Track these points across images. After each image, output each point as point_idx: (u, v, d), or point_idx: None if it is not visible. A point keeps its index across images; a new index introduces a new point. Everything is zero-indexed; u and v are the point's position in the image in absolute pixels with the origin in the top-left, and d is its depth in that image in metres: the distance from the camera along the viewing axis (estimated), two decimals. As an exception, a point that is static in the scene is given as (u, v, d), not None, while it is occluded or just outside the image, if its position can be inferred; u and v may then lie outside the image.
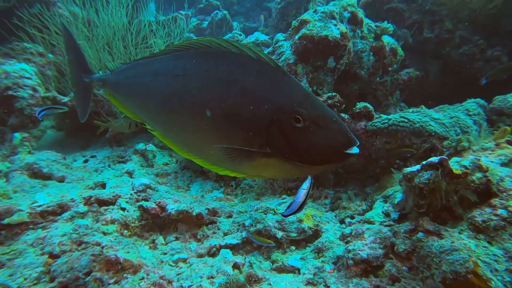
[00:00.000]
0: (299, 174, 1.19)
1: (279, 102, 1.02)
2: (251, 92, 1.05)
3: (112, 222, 1.86)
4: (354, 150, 0.98)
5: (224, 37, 4.67)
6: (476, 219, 1.15)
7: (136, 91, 1.26)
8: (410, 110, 2.17)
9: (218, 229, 1.97)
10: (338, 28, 2.06)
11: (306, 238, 1.74)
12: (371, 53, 2.41)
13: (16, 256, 1.51)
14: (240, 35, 4.52)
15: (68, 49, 1.40)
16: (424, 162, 1.21)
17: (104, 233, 1.77)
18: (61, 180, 2.38)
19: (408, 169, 1.26)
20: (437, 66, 3.47)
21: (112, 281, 1.34)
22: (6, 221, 1.64)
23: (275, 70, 1.07)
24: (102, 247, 1.61)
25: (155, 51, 3.15)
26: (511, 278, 1.00)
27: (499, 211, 1.13)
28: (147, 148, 2.77)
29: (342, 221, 1.80)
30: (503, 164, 1.32)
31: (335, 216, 1.86)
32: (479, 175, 1.19)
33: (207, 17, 5.90)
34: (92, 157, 3.10)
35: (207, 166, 1.20)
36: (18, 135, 2.87)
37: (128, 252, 1.69)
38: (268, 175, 1.17)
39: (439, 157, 1.17)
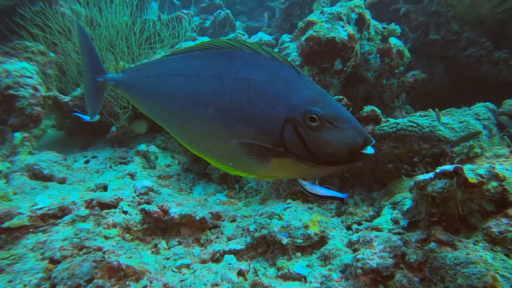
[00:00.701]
0: (313, 174, 1.19)
1: (294, 101, 1.02)
2: (265, 91, 1.04)
3: (114, 226, 1.82)
4: (369, 150, 0.98)
5: (226, 38, 4.65)
6: (492, 230, 1.12)
7: (149, 91, 1.27)
8: (418, 113, 2.13)
9: (222, 233, 1.93)
10: (346, 30, 2.02)
11: (312, 245, 1.70)
12: (378, 55, 2.37)
13: (16, 261, 1.48)
14: (243, 34, 4.49)
15: (82, 48, 1.39)
16: (437, 170, 1.17)
17: (106, 237, 1.73)
18: (62, 181, 2.35)
19: (421, 177, 1.22)
20: (443, 68, 3.43)
21: (114, 289, 1.31)
22: (6, 224, 1.60)
23: (289, 70, 1.06)
24: (104, 252, 1.57)
25: (158, 51, 3.12)
26: (530, 293, 0.96)
27: (516, 222, 1.09)
28: (149, 150, 2.73)
29: (349, 227, 1.76)
30: (518, 173, 1.28)
31: (341, 222, 1.82)
32: (494, 184, 1.15)
33: (210, 16, 5.87)
34: (93, 157, 3.06)
35: (219, 165, 1.19)
36: (18, 135, 2.83)
37: (130, 257, 1.65)
38: (281, 175, 1.17)
39: (454, 166, 1.13)
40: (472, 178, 1.12)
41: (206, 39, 4.85)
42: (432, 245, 1.20)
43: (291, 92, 1.03)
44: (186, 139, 1.24)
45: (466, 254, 1.09)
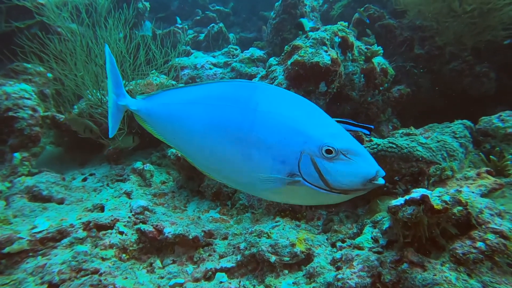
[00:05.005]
0: (326, 202, 1.26)
1: (311, 134, 1.11)
2: (284, 123, 1.13)
3: (111, 246, 1.91)
4: (380, 181, 1.08)
5: (219, 52, 4.71)
6: (457, 251, 1.21)
7: (170, 118, 1.34)
8: (400, 131, 2.23)
9: (214, 251, 2.02)
10: (329, 55, 2.13)
11: (299, 262, 1.79)
12: (362, 75, 2.47)
13: (16, 286, 1.56)
14: (236, 49, 4.59)
15: (109, 71, 1.47)
16: (407, 197, 1.27)
17: (103, 259, 1.82)
18: (61, 202, 2.43)
19: (393, 203, 1.32)
20: (428, 81, 3.54)
21: (110, 311, 1.40)
22: (6, 250, 1.69)
23: (307, 103, 1.16)
24: (101, 274, 1.66)
25: (152, 72, 3.23)
26: (488, 311, 1.06)
27: (478, 244, 1.19)
28: (145, 168, 2.82)
29: (333, 245, 1.86)
30: (483, 195, 1.38)
31: (326, 239, 1.91)
32: (459, 208, 1.25)
33: (204, 29, 5.98)
34: (90, 175, 3.15)
35: (234, 187, 1.31)
36: (18, 155, 2.92)
37: (126, 277, 1.74)
38: (295, 201, 1.26)
39: (420, 194, 1.23)
40: (438, 204, 1.22)
41: (200, 53, 4.97)
42: (405, 266, 1.29)
43: (309, 125, 1.12)
44: (203, 164, 1.32)
45: (433, 275, 1.19)
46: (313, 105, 1.17)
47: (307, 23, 2.55)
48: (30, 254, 1.74)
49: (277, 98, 1.17)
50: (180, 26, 5.41)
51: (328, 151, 1.07)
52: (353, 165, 1.07)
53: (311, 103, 1.16)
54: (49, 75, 3.40)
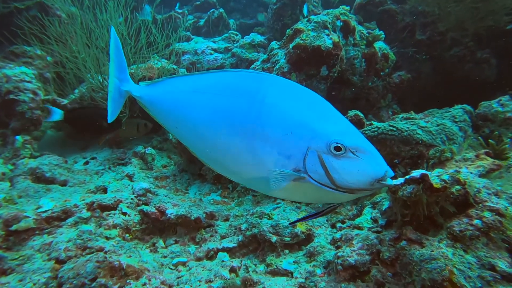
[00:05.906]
0: (331, 200, 1.21)
1: (320, 130, 1.06)
2: (292, 117, 1.08)
3: (114, 226, 1.94)
4: (389, 181, 1.04)
5: (220, 37, 4.68)
6: (454, 228, 1.25)
7: (173, 105, 1.29)
8: (401, 115, 2.25)
9: (216, 232, 2.06)
10: (331, 38, 2.13)
11: (299, 242, 1.83)
12: (363, 59, 2.48)
13: (24, 261, 1.60)
14: (236, 35, 4.56)
15: (113, 54, 1.41)
16: (407, 177, 1.30)
17: (107, 238, 1.86)
18: (64, 184, 2.46)
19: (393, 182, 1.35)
20: (429, 67, 3.54)
21: (116, 286, 1.43)
22: (14, 227, 1.72)
23: (316, 98, 1.11)
24: (106, 252, 1.70)
25: (153, 55, 3.22)
26: (482, 284, 1.10)
27: (475, 221, 1.22)
28: (146, 152, 2.84)
29: (333, 226, 1.90)
30: (481, 175, 1.41)
31: (326, 220, 1.95)
32: (458, 187, 1.28)
33: (204, 14, 5.92)
34: (92, 158, 3.17)
35: (234, 179, 1.27)
36: (20, 138, 2.94)
37: (130, 256, 1.78)
38: (299, 198, 1.21)
39: (420, 173, 1.25)
40: (437, 183, 1.25)
41: (200, 39, 4.93)
42: (403, 243, 1.33)
43: (318, 120, 1.07)
44: (205, 155, 1.26)
45: (431, 251, 1.22)
46: (322, 100, 1.12)
47: (306, 10, 2.58)
48: (37, 232, 1.77)
49: (286, 91, 1.12)
50: (179, 11, 5.36)
51: (337, 148, 1.02)
52: (361, 164, 1.03)
53: (320, 97, 1.11)
54: (49, 58, 3.38)
